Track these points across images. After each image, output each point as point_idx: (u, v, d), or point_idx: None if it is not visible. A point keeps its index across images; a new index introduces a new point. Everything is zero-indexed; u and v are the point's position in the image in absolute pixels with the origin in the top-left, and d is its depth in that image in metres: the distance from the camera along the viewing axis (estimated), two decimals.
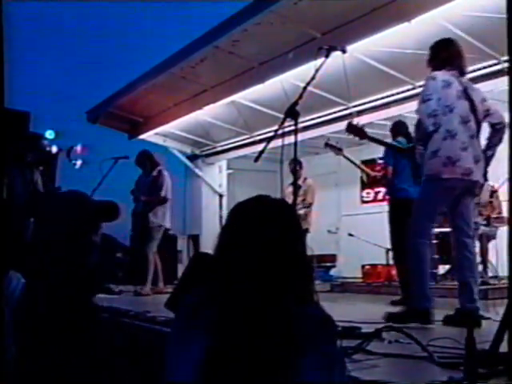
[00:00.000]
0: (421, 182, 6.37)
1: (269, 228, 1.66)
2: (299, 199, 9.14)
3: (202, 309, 1.62)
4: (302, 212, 9.27)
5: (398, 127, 7.36)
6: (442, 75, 4.90)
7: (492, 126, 5.00)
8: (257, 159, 4.55)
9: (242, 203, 1.78)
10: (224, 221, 1.82)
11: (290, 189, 9.19)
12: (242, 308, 1.58)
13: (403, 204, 6.31)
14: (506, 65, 7.57)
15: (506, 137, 4.76)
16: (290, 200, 9.02)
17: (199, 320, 1.60)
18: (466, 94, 4.93)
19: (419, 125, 5.01)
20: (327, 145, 6.87)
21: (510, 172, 1.81)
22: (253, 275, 1.61)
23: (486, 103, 5.07)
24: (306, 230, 9.48)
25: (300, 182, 9.47)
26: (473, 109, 4.91)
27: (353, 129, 5.92)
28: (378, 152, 7.97)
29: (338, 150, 6.86)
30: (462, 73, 5.06)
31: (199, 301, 1.65)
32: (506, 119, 2.05)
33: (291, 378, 1.52)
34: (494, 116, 4.99)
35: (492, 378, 2.35)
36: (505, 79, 7.67)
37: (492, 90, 8.33)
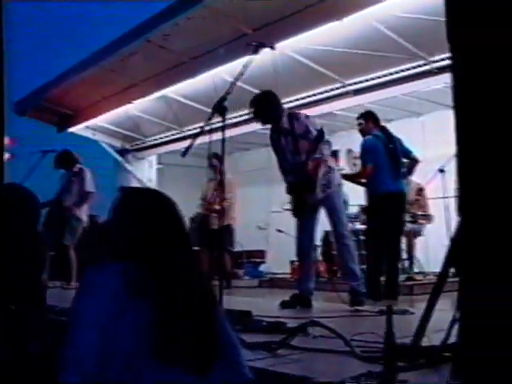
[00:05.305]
0: (402, 175, 6.81)
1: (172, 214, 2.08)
2: (217, 193, 8.87)
3: (142, 284, 1.84)
4: (218, 207, 8.96)
5: (373, 119, 7.04)
6: None
7: None
8: (184, 154, 4.53)
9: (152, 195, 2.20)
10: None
11: (211, 184, 9.20)
12: (180, 273, 1.96)
13: (383, 198, 6.43)
14: (434, 65, 7.77)
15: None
16: (209, 195, 9.09)
17: (141, 293, 1.82)
18: None
19: None
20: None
21: (458, 182, 1.81)
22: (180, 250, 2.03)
23: None
24: (228, 226, 9.29)
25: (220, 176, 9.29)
26: None
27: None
28: (343, 143, 8.00)
29: None
30: None
31: (137, 276, 1.85)
32: (451, 117, 1.98)
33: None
34: None
35: (411, 371, 2.39)
36: (434, 79, 7.90)
37: (419, 90, 8.60)
